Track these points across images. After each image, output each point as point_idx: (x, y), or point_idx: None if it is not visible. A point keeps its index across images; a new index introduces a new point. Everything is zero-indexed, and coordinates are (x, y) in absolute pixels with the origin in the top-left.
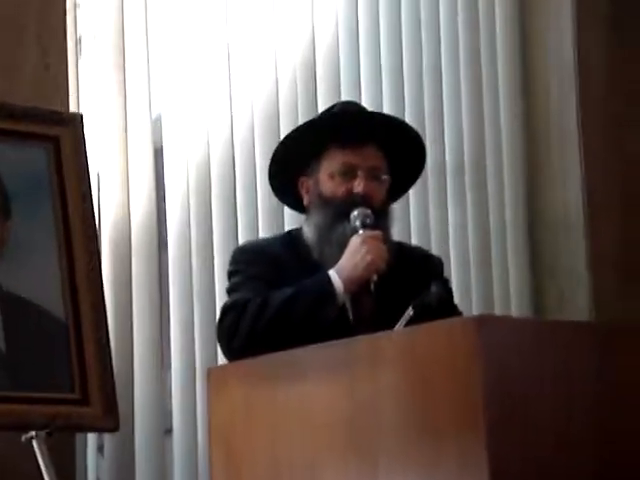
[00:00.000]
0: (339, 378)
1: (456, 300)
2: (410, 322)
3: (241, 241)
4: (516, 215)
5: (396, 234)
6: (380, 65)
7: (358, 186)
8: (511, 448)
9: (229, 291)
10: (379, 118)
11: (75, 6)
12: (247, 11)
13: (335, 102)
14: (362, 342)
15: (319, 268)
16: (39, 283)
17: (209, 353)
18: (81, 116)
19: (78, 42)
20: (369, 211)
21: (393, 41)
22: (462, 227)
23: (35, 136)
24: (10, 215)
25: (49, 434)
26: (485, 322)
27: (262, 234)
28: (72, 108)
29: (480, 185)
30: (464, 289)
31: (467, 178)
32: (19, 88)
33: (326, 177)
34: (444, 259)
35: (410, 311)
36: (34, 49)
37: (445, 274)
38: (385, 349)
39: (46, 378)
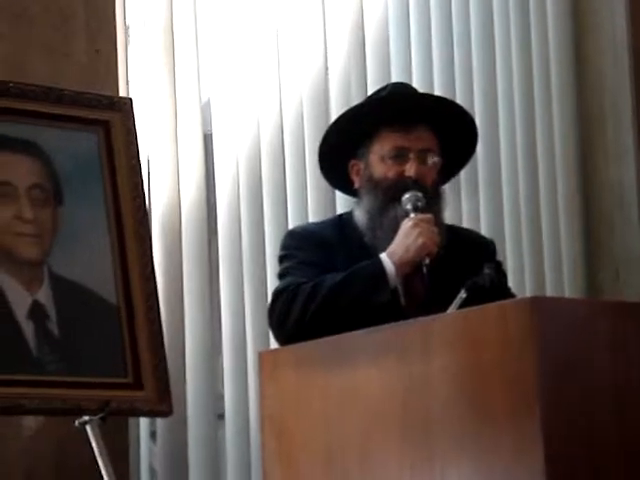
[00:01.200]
0: (391, 362)
1: (509, 284)
2: (463, 305)
3: (291, 226)
4: (569, 196)
5: (447, 218)
6: (431, 46)
7: (410, 169)
8: (566, 430)
9: (280, 276)
10: (430, 100)
11: None
12: None
13: (385, 84)
14: (414, 325)
15: (370, 252)
16: (92, 268)
17: (260, 337)
18: (131, 100)
19: (127, 28)
20: (420, 194)
21: (443, 22)
22: (515, 208)
23: (86, 121)
24: (62, 201)
25: (102, 419)
26: (538, 303)
27: (312, 219)
28: (122, 94)
29: (532, 166)
30: (517, 272)
31: (519, 159)
32: (69, 74)
33: (377, 160)
34: (497, 242)
35: (463, 293)
36: (83, 35)
37: (498, 257)
38: (438, 332)
39: (99, 363)
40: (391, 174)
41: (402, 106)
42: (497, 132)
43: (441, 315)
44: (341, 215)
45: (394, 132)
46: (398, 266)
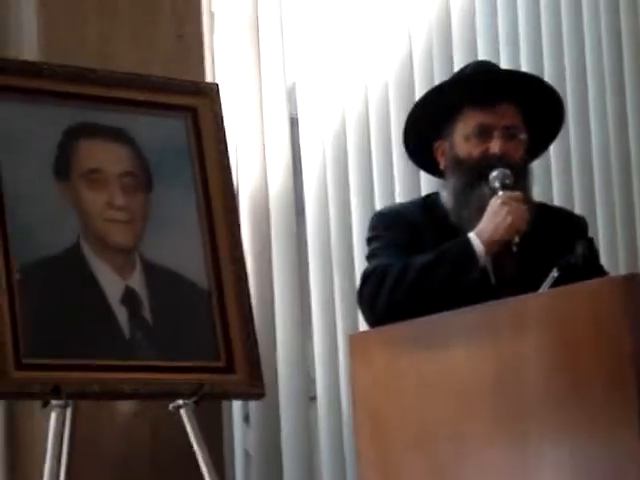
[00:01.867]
0: (483, 342)
1: (602, 261)
2: (555, 283)
3: (378, 208)
4: None
5: (538, 195)
6: (517, 25)
7: (495, 146)
8: None
9: (369, 257)
10: (513, 75)
11: None
12: None
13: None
14: (506, 305)
15: (458, 232)
16: (182, 253)
17: (350, 319)
18: (218, 86)
19: (212, 14)
20: (508, 171)
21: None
22: (607, 185)
23: (174, 107)
24: (152, 187)
25: (196, 402)
26: (633, 281)
27: (398, 200)
28: (208, 79)
29: (624, 142)
30: (610, 250)
31: (611, 136)
32: (155, 60)
33: (461, 139)
34: (589, 220)
35: (555, 272)
36: (169, 21)
37: (590, 234)
38: (530, 311)
39: (192, 347)
40: (476, 152)
41: (484, 83)
42: (587, 108)
43: (533, 294)
44: (428, 196)
45: (477, 110)
46: (487, 245)
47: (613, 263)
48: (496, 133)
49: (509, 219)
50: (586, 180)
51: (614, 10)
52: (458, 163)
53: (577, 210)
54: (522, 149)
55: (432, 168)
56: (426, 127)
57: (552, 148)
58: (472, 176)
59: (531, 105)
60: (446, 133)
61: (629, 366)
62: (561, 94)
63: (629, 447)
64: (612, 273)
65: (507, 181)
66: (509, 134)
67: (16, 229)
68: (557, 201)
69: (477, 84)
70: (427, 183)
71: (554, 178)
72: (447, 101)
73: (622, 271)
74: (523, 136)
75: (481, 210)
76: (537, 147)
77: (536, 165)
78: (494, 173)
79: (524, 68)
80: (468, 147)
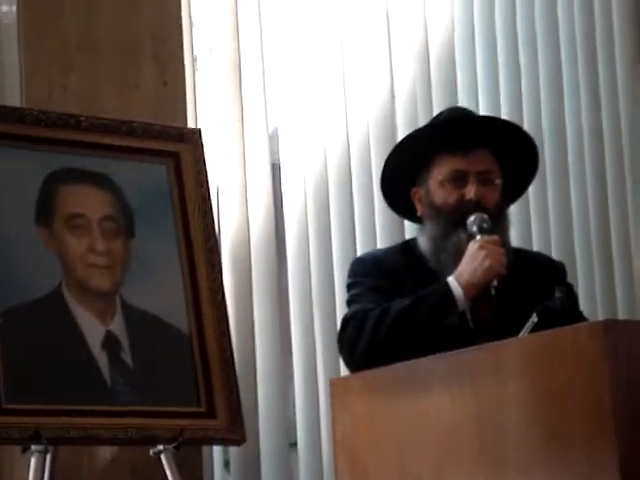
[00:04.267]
0: (463, 387)
1: (581, 306)
2: (534, 329)
3: (359, 253)
4: None
5: (517, 239)
6: (497, 69)
7: (470, 192)
8: None
9: (349, 303)
10: (486, 121)
11: (191, 24)
12: (361, 24)
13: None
14: (486, 350)
15: (437, 277)
16: (163, 298)
17: (331, 365)
18: (200, 131)
19: (194, 60)
20: (486, 216)
21: (509, 43)
22: (585, 231)
23: (156, 152)
24: (134, 232)
25: (176, 448)
26: (612, 327)
27: (380, 245)
28: (190, 124)
29: (602, 187)
30: (588, 295)
31: (588, 181)
32: (138, 105)
33: (437, 185)
34: (568, 265)
35: (534, 317)
36: (152, 67)
37: (569, 280)
38: (509, 356)
39: (172, 392)
40: (451, 199)
41: (458, 130)
42: (565, 153)
43: (513, 339)
44: (408, 241)
45: (452, 156)
46: (466, 288)
47: (591, 309)
48: (471, 178)
49: (487, 263)
50: (565, 226)
51: (591, 53)
52: (435, 209)
53: (555, 255)
54: (498, 194)
55: (410, 214)
56: (403, 174)
57: (530, 193)
58: (449, 222)
59: (507, 150)
60: (422, 179)
61: (609, 412)
62: (539, 138)
63: None
64: (591, 319)
65: (485, 225)
66: (484, 179)
67: None
68: (536, 247)
69: (451, 130)
70: (410, 228)
71: (533, 224)
72: (422, 148)
73: (600, 317)
74: (498, 181)
75: (458, 255)
76: (514, 191)
77: (514, 210)
78: (472, 218)
79: (503, 112)
80: (443, 193)
